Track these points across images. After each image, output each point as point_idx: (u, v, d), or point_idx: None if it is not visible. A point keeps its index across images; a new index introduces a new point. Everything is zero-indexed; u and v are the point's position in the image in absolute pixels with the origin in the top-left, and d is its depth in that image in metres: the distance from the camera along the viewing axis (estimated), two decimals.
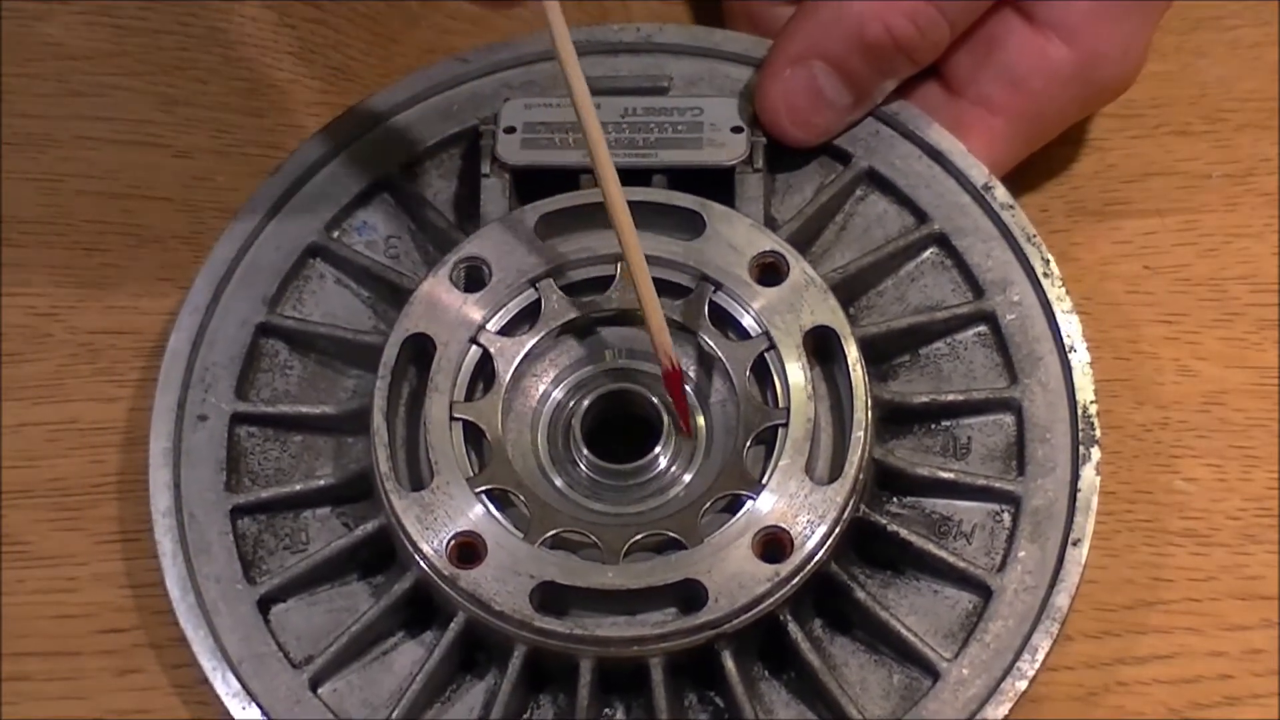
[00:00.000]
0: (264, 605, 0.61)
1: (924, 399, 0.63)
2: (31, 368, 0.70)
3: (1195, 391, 0.68)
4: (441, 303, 0.63)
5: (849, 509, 0.59)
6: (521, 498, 0.60)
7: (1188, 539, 0.65)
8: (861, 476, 0.60)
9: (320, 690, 0.60)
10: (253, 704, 0.59)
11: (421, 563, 0.59)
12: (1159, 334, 0.69)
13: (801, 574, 0.58)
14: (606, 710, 0.60)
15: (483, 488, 0.60)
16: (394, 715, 0.59)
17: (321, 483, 0.63)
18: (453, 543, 0.59)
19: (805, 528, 0.58)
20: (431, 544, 0.59)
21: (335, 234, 0.68)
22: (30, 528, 0.67)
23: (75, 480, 0.68)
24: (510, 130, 0.66)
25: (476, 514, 0.59)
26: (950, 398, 0.63)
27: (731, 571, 0.58)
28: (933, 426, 0.64)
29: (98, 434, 0.69)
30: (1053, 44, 0.65)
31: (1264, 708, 0.63)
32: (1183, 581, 0.65)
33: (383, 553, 0.62)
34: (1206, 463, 0.67)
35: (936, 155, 0.67)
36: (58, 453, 0.69)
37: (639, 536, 0.60)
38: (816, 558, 0.58)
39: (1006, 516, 0.62)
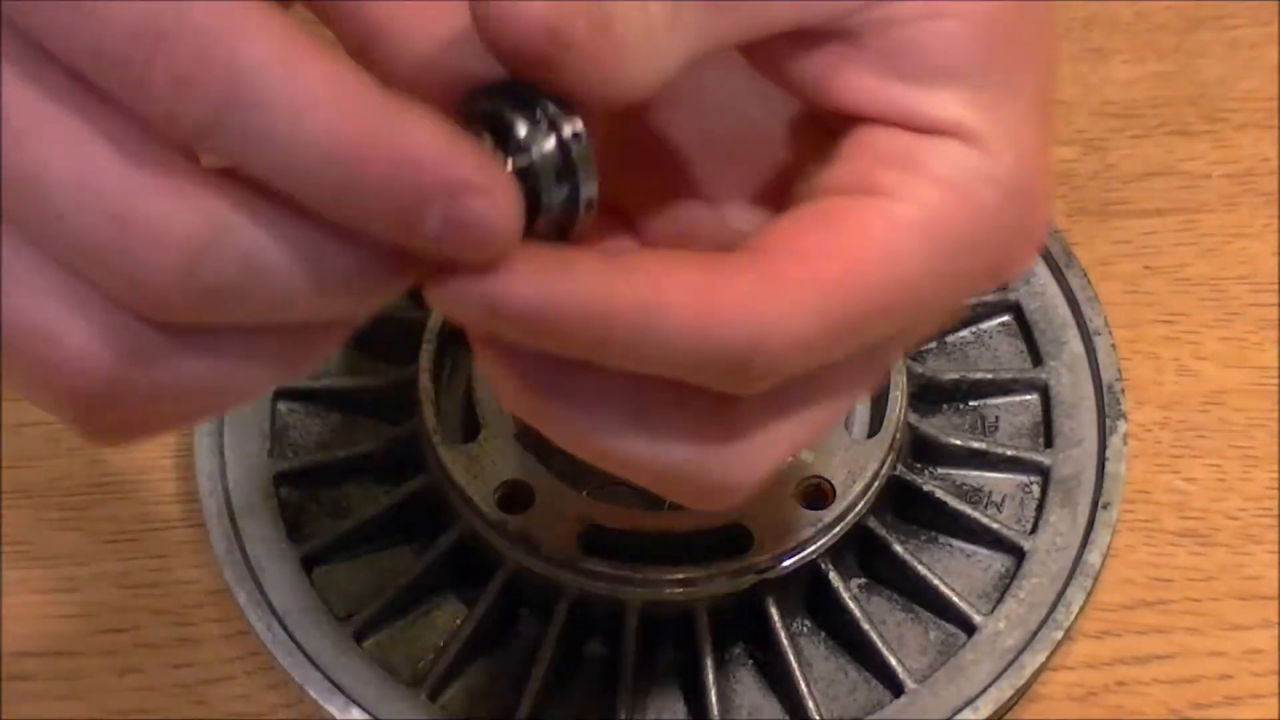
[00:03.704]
0: (307, 565, 0.66)
1: (953, 376, 0.70)
2: None
3: (1195, 391, 0.72)
4: None
5: (887, 464, 0.65)
6: (566, 452, 0.65)
7: (1188, 539, 0.69)
8: (899, 435, 0.66)
9: (364, 644, 0.64)
10: (299, 653, 0.63)
11: (469, 512, 0.64)
12: (1159, 334, 0.73)
13: (843, 523, 0.64)
14: (646, 673, 0.65)
15: (529, 441, 0.65)
16: (439, 664, 0.63)
17: (363, 449, 0.68)
18: (501, 491, 0.64)
19: (847, 478, 0.64)
20: (480, 493, 0.64)
21: None
22: (30, 528, 0.70)
23: (75, 480, 0.71)
24: None
25: (524, 464, 0.64)
26: (978, 376, 0.70)
27: (776, 517, 0.63)
28: (961, 406, 0.70)
29: None
30: None
31: (1264, 708, 0.66)
32: (1183, 581, 0.68)
33: (425, 514, 0.67)
34: (1206, 463, 0.71)
35: None
36: (58, 453, 0.72)
37: None
38: (858, 508, 0.64)
39: (1035, 488, 0.68)
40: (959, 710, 0.62)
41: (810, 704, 0.62)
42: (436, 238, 0.36)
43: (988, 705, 0.62)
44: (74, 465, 0.72)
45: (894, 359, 0.45)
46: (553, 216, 0.38)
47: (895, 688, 0.63)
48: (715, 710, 0.62)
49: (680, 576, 0.62)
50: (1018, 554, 0.66)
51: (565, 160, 0.38)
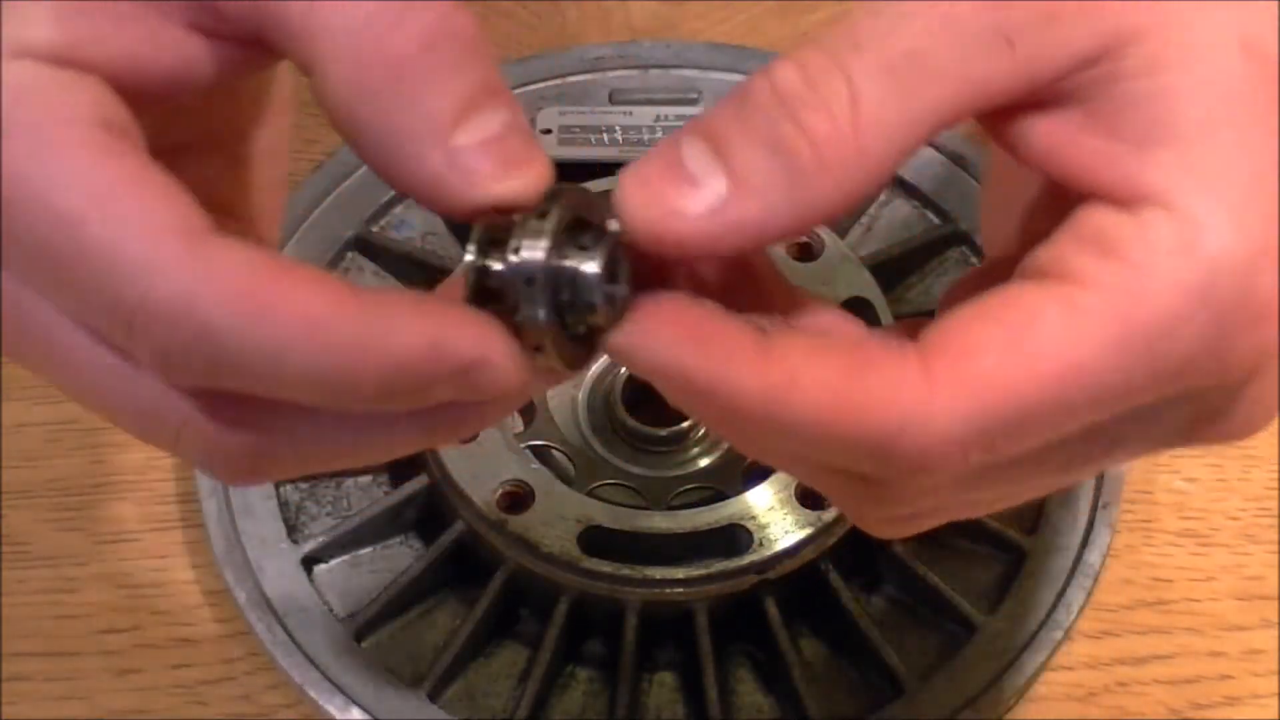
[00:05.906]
0: (307, 565, 0.67)
1: None
2: None
3: None
4: None
5: None
6: (565, 452, 0.66)
7: (1188, 539, 0.71)
8: None
9: (364, 643, 0.66)
10: (299, 653, 0.65)
11: (470, 512, 0.65)
12: None
13: (843, 523, 0.65)
14: (646, 673, 0.66)
15: (529, 442, 0.66)
16: (439, 664, 0.64)
17: None
18: (501, 491, 0.65)
19: None
20: (480, 493, 0.65)
21: (374, 229, 0.75)
22: (30, 528, 0.72)
23: (75, 480, 0.73)
24: (546, 132, 0.73)
25: (524, 465, 0.65)
26: None
27: (775, 518, 0.64)
28: None
29: (98, 434, 0.74)
30: None
31: (1264, 708, 0.67)
32: (1183, 581, 0.70)
33: (426, 514, 0.68)
34: (1206, 463, 0.72)
35: (959, 160, 0.76)
36: (58, 453, 0.73)
37: (682, 489, 0.66)
38: None
39: None
40: (959, 710, 0.63)
41: (810, 704, 0.63)
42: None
43: (988, 705, 0.63)
44: (74, 465, 0.73)
45: (1096, 466, 0.42)
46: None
47: (895, 688, 0.64)
48: (715, 710, 0.63)
49: (680, 576, 0.64)
50: (1018, 554, 0.67)
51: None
